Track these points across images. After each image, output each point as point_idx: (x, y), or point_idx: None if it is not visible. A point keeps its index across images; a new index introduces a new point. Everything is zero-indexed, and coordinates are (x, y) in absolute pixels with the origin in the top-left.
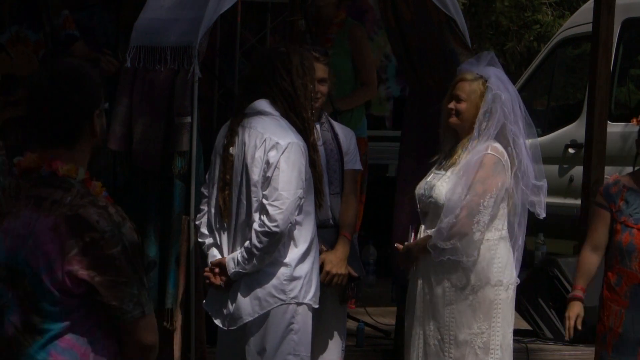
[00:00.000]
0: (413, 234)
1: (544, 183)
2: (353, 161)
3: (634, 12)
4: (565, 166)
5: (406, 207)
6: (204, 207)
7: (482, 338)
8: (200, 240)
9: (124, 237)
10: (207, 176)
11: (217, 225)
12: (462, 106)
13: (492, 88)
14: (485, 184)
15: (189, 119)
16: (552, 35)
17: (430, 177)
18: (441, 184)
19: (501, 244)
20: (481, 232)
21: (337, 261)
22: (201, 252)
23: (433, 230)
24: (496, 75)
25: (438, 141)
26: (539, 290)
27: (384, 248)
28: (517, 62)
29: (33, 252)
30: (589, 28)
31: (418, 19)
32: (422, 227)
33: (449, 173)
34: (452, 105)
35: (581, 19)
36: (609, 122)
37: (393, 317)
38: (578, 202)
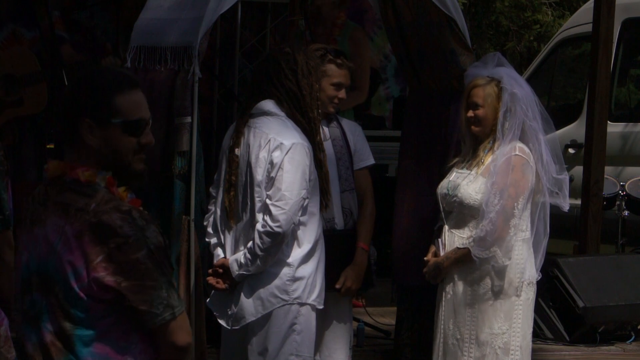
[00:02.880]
0: (442, 247)
1: (565, 176)
2: (363, 157)
3: (634, 12)
4: (565, 166)
5: (406, 207)
6: (212, 207)
7: (502, 338)
8: (206, 240)
9: (148, 240)
10: (215, 176)
11: (222, 226)
12: (481, 112)
13: (507, 88)
14: (518, 187)
15: (189, 119)
16: (552, 35)
17: (453, 177)
18: (466, 184)
19: (524, 245)
20: (515, 234)
21: (356, 277)
22: (208, 252)
23: (469, 241)
24: (508, 75)
25: (439, 141)
26: (539, 290)
27: (384, 248)
28: (517, 62)
29: (61, 259)
30: (589, 28)
31: (418, 19)
32: (446, 227)
33: (473, 172)
34: (470, 113)
35: (581, 19)
36: (609, 122)
37: (393, 317)
38: (578, 202)
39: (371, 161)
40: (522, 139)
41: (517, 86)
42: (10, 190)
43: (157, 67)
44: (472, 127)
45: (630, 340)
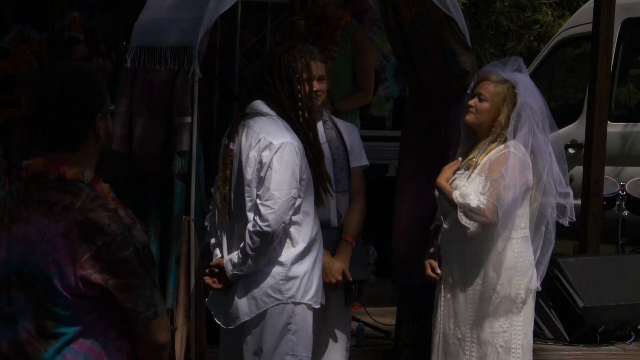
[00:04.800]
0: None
1: (569, 190)
2: (358, 158)
3: (634, 12)
4: (564, 166)
5: (406, 207)
6: (212, 207)
7: (503, 337)
8: (207, 239)
9: (134, 239)
10: (216, 177)
11: (220, 226)
12: (484, 106)
13: (522, 95)
14: (507, 183)
15: (189, 119)
16: (552, 35)
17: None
18: (463, 184)
19: (523, 243)
20: (503, 226)
21: (333, 270)
22: (208, 252)
23: (460, 200)
24: (524, 83)
25: (439, 141)
26: (539, 290)
27: (384, 248)
28: None
29: (44, 257)
30: (589, 28)
31: (418, 19)
32: (444, 226)
33: (469, 172)
34: (473, 102)
35: (581, 19)
36: (609, 122)
37: (393, 317)
38: (578, 202)
39: (365, 162)
40: (533, 150)
41: (531, 96)
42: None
43: (157, 67)
44: (467, 115)
45: (630, 340)
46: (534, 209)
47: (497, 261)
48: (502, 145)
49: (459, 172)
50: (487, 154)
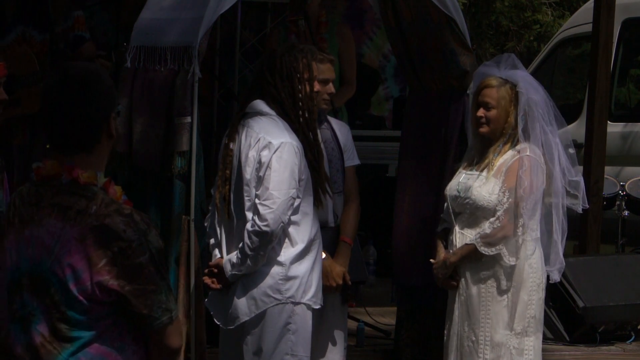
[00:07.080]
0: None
1: (580, 179)
2: (351, 157)
3: (634, 12)
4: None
5: (406, 207)
6: (212, 208)
7: (517, 339)
8: (206, 240)
9: (150, 244)
10: (216, 177)
11: (219, 225)
12: (492, 114)
13: (524, 93)
14: (527, 187)
15: (189, 119)
16: (552, 35)
17: (462, 178)
18: (478, 185)
19: (536, 246)
20: (523, 234)
21: (334, 274)
22: (208, 251)
23: (475, 237)
24: (524, 79)
25: (438, 141)
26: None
27: (384, 248)
28: None
29: (59, 262)
30: (589, 28)
31: (418, 19)
32: (456, 228)
33: (484, 174)
34: (481, 113)
35: (581, 19)
36: (609, 122)
37: (393, 317)
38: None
39: (357, 161)
40: (542, 144)
41: (533, 91)
42: (7, 187)
43: (157, 67)
44: (480, 128)
45: (630, 340)
46: (547, 204)
47: (510, 264)
48: (517, 151)
49: (469, 172)
50: (502, 155)
